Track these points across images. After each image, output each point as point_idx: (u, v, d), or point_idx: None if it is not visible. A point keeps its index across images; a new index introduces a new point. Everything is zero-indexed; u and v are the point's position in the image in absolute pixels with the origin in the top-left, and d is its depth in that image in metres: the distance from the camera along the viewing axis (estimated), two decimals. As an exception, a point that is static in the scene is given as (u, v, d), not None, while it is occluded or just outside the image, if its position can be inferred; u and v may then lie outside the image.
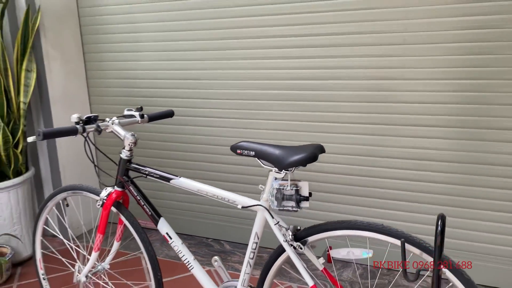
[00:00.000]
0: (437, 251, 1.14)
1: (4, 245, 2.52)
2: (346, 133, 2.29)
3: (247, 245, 1.98)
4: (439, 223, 1.11)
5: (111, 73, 2.84)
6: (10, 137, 2.43)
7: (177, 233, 2.78)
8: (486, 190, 2.08)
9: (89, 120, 1.52)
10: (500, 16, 1.91)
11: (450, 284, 1.20)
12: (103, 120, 1.58)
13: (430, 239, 2.20)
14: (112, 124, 1.58)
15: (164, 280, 2.32)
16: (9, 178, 2.51)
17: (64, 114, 2.77)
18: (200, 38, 2.52)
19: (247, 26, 2.38)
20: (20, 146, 2.52)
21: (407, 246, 1.21)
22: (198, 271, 1.57)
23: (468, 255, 2.18)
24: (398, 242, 1.21)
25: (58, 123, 2.72)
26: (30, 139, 1.44)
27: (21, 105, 2.52)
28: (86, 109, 2.94)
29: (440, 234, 1.12)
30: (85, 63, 2.90)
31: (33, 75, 2.55)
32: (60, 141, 2.74)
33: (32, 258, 2.67)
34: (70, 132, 1.43)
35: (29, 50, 2.51)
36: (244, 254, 2.55)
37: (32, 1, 2.55)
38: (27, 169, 2.65)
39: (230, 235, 2.72)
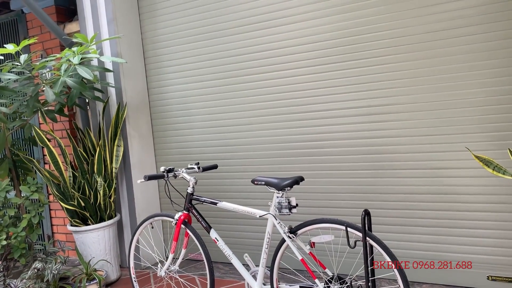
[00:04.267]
0: (364, 230, 2.08)
1: (100, 269, 3.56)
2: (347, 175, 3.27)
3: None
4: (363, 214, 2.07)
5: (171, 145, 3.99)
6: (107, 191, 3.55)
7: (219, 262, 3.74)
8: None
9: (170, 170, 2.60)
10: None
11: (376, 250, 2.11)
12: (177, 170, 2.66)
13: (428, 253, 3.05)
14: (182, 172, 2.65)
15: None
16: (105, 221, 3.60)
17: (139, 175, 3.90)
18: (233, 117, 3.65)
19: (262, 108, 3.49)
20: (112, 198, 3.64)
21: (349, 229, 2.14)
22: (235, 261, 2.53)
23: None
24: (343, 227, 2.15)
25: (135, 180, 3.84)
26: (139, 180, 2.53)
27: (113, 170, 3.67)
28: (154, 170, 4.07)
29: (364, 220, 2.07)
30: (154, 139, 4.08)
31: (121, 149, 3.73)
32: (137, 194, 3.84)
33: (118, 279, 3.68)
34: (161, 176, 2.51)
35: (119, 132, 3.71)
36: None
37: (121, 99, 3.80)
38: (115, 215, 3.74)
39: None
